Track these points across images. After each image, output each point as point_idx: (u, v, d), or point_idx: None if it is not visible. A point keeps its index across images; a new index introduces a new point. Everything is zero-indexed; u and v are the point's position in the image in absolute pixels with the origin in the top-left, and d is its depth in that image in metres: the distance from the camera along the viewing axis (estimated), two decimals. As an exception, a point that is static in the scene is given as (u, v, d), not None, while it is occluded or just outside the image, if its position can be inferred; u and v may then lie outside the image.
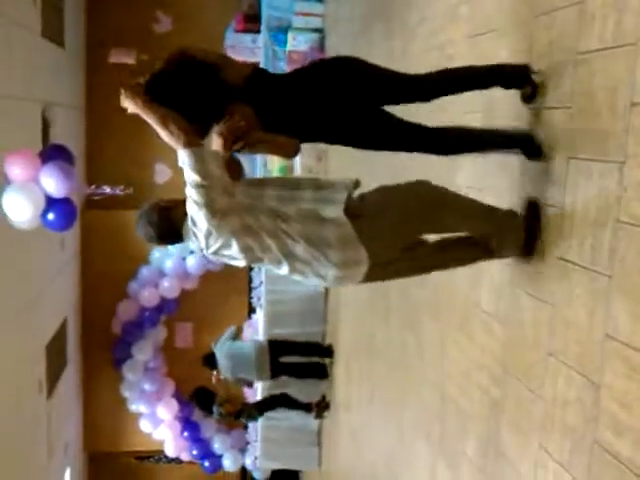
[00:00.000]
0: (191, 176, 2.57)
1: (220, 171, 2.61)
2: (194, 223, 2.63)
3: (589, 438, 2.39)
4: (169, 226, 2.78)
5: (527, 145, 2.82)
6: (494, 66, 2.96)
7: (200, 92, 2.75)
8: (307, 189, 2.72)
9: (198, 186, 2.56)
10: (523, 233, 2.82)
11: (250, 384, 8.81)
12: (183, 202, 2.68)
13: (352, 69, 2.89)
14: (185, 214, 2.68)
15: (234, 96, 2.81)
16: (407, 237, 2.80)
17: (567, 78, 2.61)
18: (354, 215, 2.66)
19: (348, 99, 2.86)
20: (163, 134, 2.62)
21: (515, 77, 2.85)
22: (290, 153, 2.98)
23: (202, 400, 7.95)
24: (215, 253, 2.70)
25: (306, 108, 2.88)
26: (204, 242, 2.65)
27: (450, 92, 2.98)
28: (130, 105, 2.65)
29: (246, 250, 2.66)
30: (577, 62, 2.53)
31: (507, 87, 2.89)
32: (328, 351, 7.83)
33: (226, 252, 2.68)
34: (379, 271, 2.76)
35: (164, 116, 2.60)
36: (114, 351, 9.73)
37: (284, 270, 2.73)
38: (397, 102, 2.97)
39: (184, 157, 2.59)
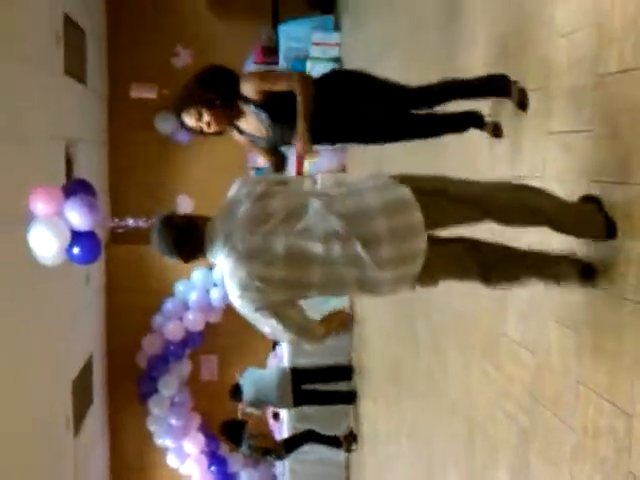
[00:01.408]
0: None
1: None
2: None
3: (623, 468, 2.31)
4: (190, 230, 2.47)
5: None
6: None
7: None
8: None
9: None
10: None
11: (277, 415, 8.76)
12: (206, 217, 2.50)
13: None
14: (208, 222, 2.47)
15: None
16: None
17: (587, 101, 2.57)
18: None
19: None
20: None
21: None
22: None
23: (231, 431, 7.89)
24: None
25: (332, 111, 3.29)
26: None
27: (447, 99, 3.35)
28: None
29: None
30: (596, 85, 2.50)
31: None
32: (349, 370, 7.81)
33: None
34: (434, 259, 2.36)
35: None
36: (140, 385, 9.72)
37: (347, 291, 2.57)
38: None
39: None
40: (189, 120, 3.18)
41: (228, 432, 7.91)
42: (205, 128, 3.19)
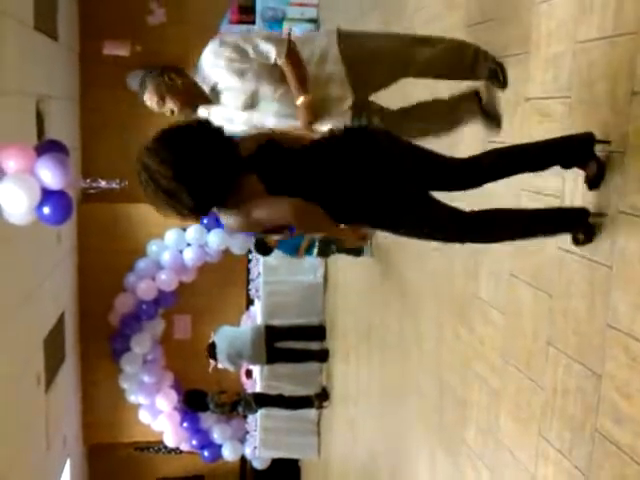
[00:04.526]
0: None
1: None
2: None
3: (590, 427, 2.40)
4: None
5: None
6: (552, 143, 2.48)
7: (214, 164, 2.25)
8: None
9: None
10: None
11: (249, 373, 8.86)
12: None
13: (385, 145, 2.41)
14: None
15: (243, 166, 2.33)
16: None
17: (566, 68, 2.60)
18: None
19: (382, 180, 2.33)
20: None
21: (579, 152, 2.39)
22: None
23: (194, 402, 8.08)
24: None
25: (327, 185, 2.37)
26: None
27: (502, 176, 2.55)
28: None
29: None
30: (576, 51, 2.53)
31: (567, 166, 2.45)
32: (322, 329, 7.91)
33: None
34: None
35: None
36: (112, 344, 9.72)
37: None
38: (438, 187, 2.48)
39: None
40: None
41: (191, 403, 8.10)
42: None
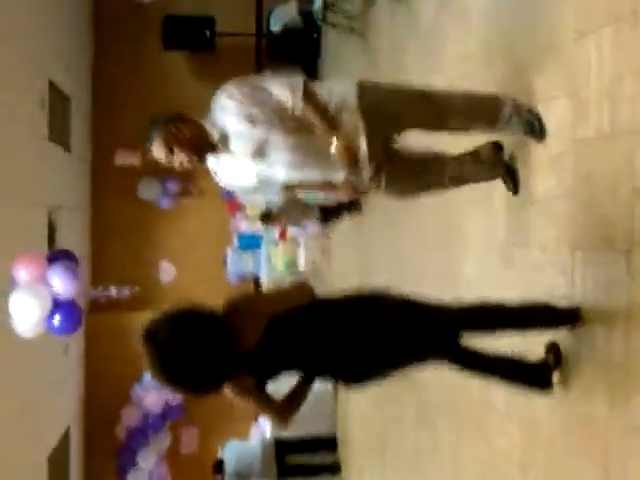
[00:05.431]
0: None
1: None
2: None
3: None
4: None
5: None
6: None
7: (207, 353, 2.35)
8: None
9: None
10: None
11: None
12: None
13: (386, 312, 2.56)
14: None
15: (240, 361, 2.46)
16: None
17: (568, 168, 2.58)
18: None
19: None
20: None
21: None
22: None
23: None
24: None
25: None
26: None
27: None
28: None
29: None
30: (577, 151, 2.51)
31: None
32: (333, 441, 7.63)
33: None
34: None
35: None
36: (119, 458, 9.44)
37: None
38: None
39: None
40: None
41: None
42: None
